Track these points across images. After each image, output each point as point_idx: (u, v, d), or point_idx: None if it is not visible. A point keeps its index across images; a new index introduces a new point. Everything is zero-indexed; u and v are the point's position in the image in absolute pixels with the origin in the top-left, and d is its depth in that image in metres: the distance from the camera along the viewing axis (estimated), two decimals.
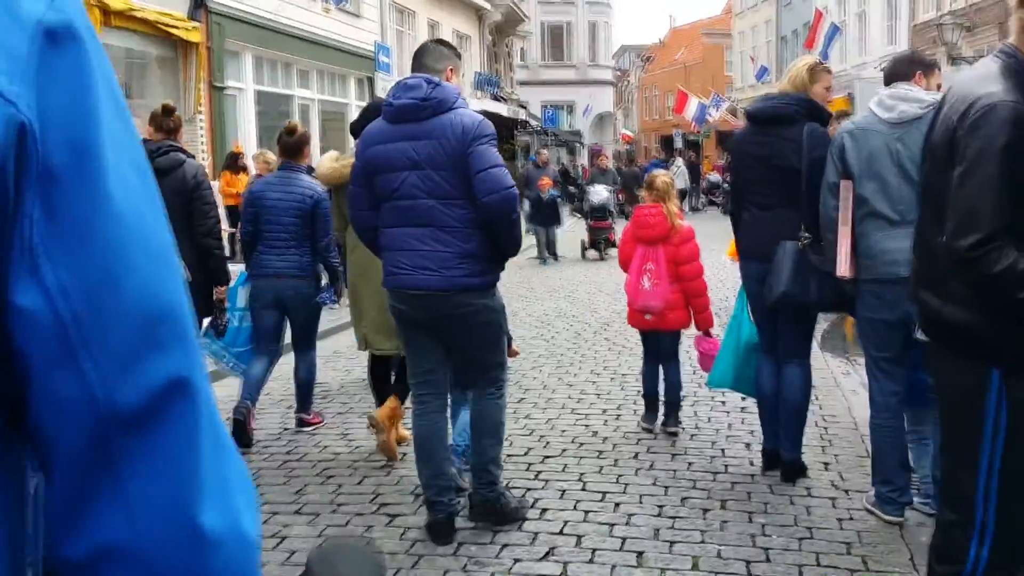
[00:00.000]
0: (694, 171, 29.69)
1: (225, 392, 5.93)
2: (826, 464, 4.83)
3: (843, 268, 3.98)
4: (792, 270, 4.20)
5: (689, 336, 5.83)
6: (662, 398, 5.58)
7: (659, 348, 5.52)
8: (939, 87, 4.01)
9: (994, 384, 2.37)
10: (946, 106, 2.47)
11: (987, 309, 2.35)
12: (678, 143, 37.71)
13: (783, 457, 4.63)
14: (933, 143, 2.53)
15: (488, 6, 28.49)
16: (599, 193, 15.88)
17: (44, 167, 0.62)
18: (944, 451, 2.67)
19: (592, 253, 16.08)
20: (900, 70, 4.01)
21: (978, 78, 2.40)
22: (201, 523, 0.65)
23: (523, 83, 40.07)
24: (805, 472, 4.64)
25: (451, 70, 3.99)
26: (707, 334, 5.47)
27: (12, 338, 0.62)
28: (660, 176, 5.60)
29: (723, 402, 6.02)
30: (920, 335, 2.67)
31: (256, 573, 0.69)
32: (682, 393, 5.62)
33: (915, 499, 4.12)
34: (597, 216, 15.81)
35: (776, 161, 4.35)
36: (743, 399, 5.63)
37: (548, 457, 5.09)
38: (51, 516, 0.65)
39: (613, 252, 15.06)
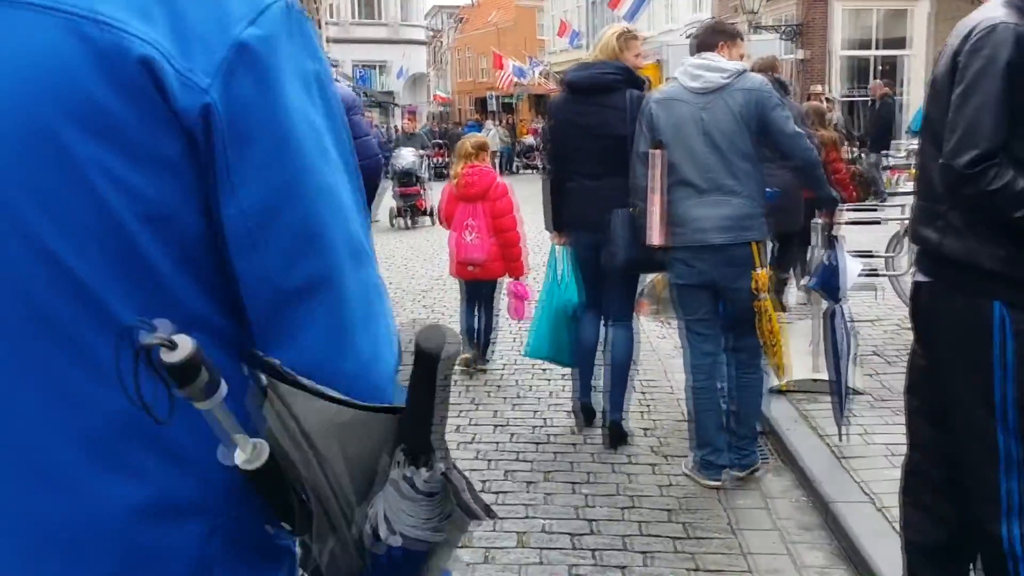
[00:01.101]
0: (511, 133, 29.90)
1: None
2: (646, 430, 4.87)
3: (655, 236, 4.00)
4: (629, 236, 4.22)
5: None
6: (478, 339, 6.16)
7: (479, 295, 6.15)
8: (742, 57, 4.18)
9: (997, 315, 2.35)
10: (949, 41, 2.47)
11: (985, 237, 2.33)
12: (492, 105, 37.81)
13: (610, 418, 4.67)
14: (936, 75, 2.50)
15: None
16: (405, 157, 14.72)
17: (232, 131, 0.88)
18: (952, 391, 2.55)
19: (400, 221, 15.06)
20: (705, 40, 4.08)
21: (980, 11, 2.41)
22: (341, 366, 0.95)
23: (334, 41, 38.97)
24: (627, 438, 4.66)
25: None
26: (519, 280, 6.00)
27: (223, 236, 0.91)
28: (469, 139, 6.16)
29: (544, 369, 5.99)
30: (920, 276, 2.60)
31: (388, 388, 0.98)
32: (492, 336, 6.22)
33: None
34: (403, 182, 14.72)
35: (603, 130, 4.35)
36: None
37: None
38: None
39: (424, 220, 14.68)
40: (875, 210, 7.24)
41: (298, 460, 0.93)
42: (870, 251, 7.11)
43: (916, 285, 2.65)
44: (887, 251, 7.09)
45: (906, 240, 6.46)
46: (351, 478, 0.96)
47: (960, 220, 2.39)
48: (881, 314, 7.04)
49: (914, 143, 7.36)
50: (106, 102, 0.86)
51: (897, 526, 3.46)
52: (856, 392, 5.04)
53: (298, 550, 1.06)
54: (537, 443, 4.75)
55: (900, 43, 20.90)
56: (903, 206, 7.14)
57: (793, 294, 7.36)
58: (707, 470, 4.14)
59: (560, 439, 4.80)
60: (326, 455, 0.94)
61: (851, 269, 4.19)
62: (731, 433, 4.16)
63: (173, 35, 0.88)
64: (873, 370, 5.52)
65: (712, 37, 4.10)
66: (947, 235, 2.42)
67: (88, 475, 0.91)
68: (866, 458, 4.15)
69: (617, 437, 4.63)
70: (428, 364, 0.93)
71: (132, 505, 0.92)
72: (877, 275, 6.93)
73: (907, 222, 6.49)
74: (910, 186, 8.22)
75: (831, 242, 4.31)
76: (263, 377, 0.92)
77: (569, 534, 3.68)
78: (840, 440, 4.33)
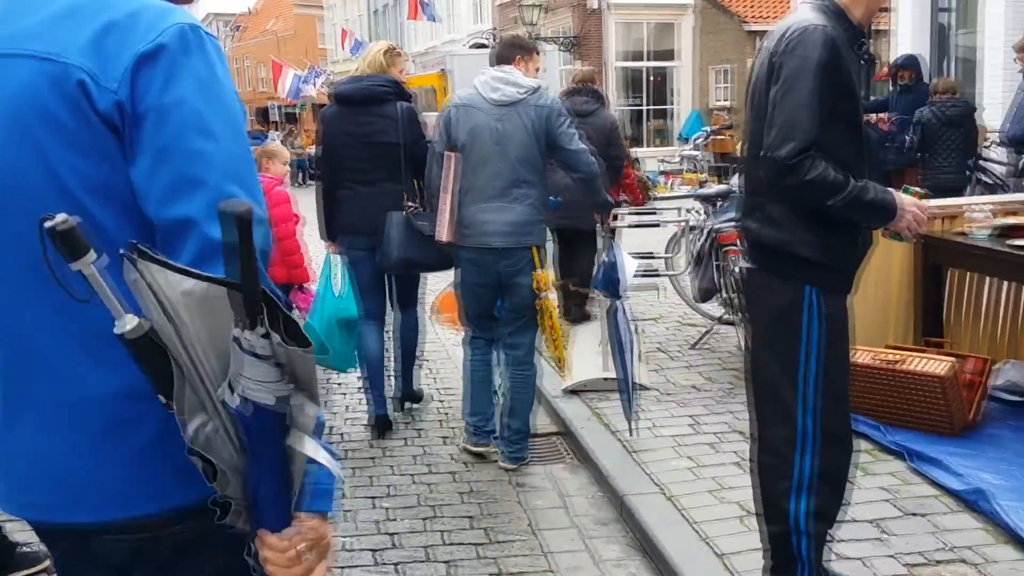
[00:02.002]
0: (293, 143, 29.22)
1: None
2: (444, 438, 4.85)
3: (443, 233, 4.23)
4: (404, 236, 4.48)
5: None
6: None
7: None
8: (538, 70, 4.37)
9: (807, 299, 2.58)
10: (764, 43, 2.69)
11: (798, 227, 2.58)
12: (274, 115, 36.82)
13: (402, 391, 5.16)
14: (754, 80, 2.68)
15: None
16: None
17: (133, 116, 1.25)
18: (765, 371, 2.76)
19: None
20: (504, 53, 4.31)
21: (793, 15, 2.65)
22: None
23: None
24: (421, 396, 5.23)
25: None
26: (301, 288, 5.77)
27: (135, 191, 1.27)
28: (258, 149, 6.03)
29: (339, 383, 5.86)
30: (745, 263, 2.83)
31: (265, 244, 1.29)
32: None
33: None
34: None
35: (378, 138, 4.58)
36: (359, 378, 5.51)
37: None
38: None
39: None
40: (655, 213, 7.57)
41: (163, 331, 1.14)
42: (651, 252, 7.44)
43: (742, 272, 2.91)
44: (666, 252, 7.43)
45: (683, 241, 6.80)
46: (217, 355, 1.17)
47: (777, 211, 2.61)
48: (663, 312, 7.37)
49: (687, 149, 7.75)
50: (60, 115, 1.27)
51: (686, 514, 3.63)
52: (643, 387, 5.24)
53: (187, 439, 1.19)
54: (335, 458, 4.62)
55: (669, 55, 22.08)
56: (679, 209, 7.52)
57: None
58: (476, 436, 4.50)
59: (358, 454, 4.71)
60: (187, 324, 1.15)
61: (628, 267, 4.45)
62: (506, 427, 4.39)
63: (98, 59, 1.27)
64: (658, 365, 5.76)
65: (510, 51, 4.32)
66: (765, 225, 2.65)
67: (81, 369, 1.32)
68: (655, 451, 4.32)
69: (412, 397, 5.20)
70: (243, 227, 1.11)
71: (113, 389, 1.31)
72: (658, 275, 7.25)
73: (683, 224, 6.86)
74: (685, 189, 8.69)
75: (608, 242, 4.62)
76: (135, 257, 1.13)
77: (371, 550, 3.61)
78: (631, 435, 4.49)
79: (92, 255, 1.13)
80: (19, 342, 1.35)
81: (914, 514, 3.51)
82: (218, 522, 1.23)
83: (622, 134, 8.46)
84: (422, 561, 3.50)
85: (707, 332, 6.32)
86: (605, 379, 5.24)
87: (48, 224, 1.11)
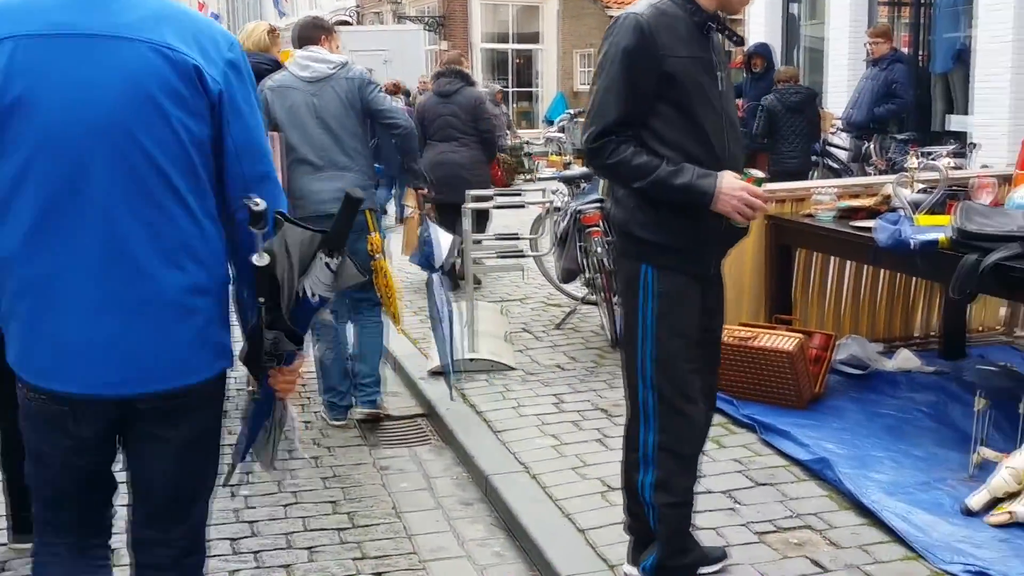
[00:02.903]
0: None
1: None
2: (307, 423, 4.76)
3: None
4: None
5: None
6: None
7: None
8: (338, 47, 4.76)
9: (641, 277, 2.66)
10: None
11: (635, 206, 2.64)
12: None
13: None
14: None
15: None
16: None
17: (228, 103, 1.92)
18: (623, 346, 2.91)
19: None
20: (308, 35, 4.62)
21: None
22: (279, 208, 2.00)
23: None
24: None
25: None
26: None
27: (224, 152, 1.95)
28: None
29: None
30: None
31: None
32: None
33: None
34: None
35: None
36: None
37: None
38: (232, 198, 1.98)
39: None
40: (519, 195, 7.62)
41: (280, 261, 1.93)
42: (516, 233, 7.49)
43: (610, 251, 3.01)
44: (531, 233, 7.49)
45: (547, 222, 6.87)
46: (300, 270, 1.98)
47: (620, 192, 2.74)
48: (528, 293, 7.43)
49: (552, 131, 7.82)
50: (178, 87, 1.86)
51: (549, 491, 3.68)
52: (508, 368, 5.28)
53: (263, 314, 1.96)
54: None
55: (534, 38, 22.23)
56: (543, 190, 7.59)
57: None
58: (333, 411, 4.70)
59: None
60: (294, 258, 1.95)
61: (444, 242, 4.72)
62: (356, 375, 4.69)
63: (202, 56, 1.90)
64: (523, 346, 5.81)
65: (314, 32, 4.64)
66: (614, 206, 2.78)
67: (160, 270, 1.88)
68: (519, 430, 4.35)
69: None
70: (353, 204, 2.02)
71: (181, 286, 1.91)
72: (523, 255, 7.30)
73: (547, 205, 6.93)
74: (550, 171, 8.76)
75: (424, 220, 4.90)
76: (275, 216, 1.96)
77: (229, 539, 3.51)
78: (451, 399, 4.75)
79: (268, 225, 1.95)
80: (115, 249, 1.86)
81: (764, 484, 3.66)
82: (264, 367, 2.04)
83: (501, 111, 8.81)
84: (283, 548, 3.43)
85: (571, 312, 6.41)
86: (471, 360, 5.25)
87: (254, 208, 1.90)
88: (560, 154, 7.85)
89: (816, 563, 3.07)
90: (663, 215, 2.61)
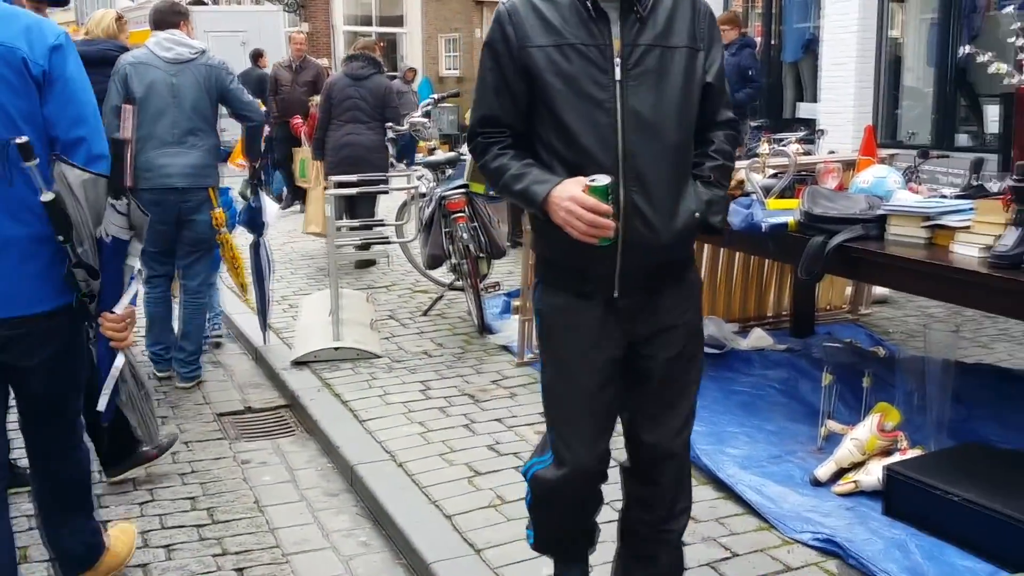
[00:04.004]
0: None
1: None
2: (163, 418, 4.58)
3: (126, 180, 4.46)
4: None
5: None
6: None
7: None
8: (192, 31, 5.11)
9: (534, 290, 2.44)
10: None
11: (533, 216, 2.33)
12: None
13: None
14: None
15: None
16: None
17: (47, 82, 2.36)
18: None
19: None
20: (167, 19, 4.92)
21: None
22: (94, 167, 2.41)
23: None
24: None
25: None
26: None
27: (46, 119, 2.39)
28: None
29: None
30: None
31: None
32: None
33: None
34: None
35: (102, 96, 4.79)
36: None
37: None
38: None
39: None
40: (386, 181, 7.54)
41: (67, 200, 2.34)
42: (381, 220, 7.41)
43: None
44: (396, 219, 7.43)
45: (412, 208, 6.81)
46: (93, 213, 2.40)
47: None
48: (394, 280, 7.38)
49: (415, 116, 7.77)
50: (9, 77, 2.31)
51: (415, 479, 3.66)
52: (374, 355, 5.23)
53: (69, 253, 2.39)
54: None
55: (398, 21, 22.01)
56: (408, 176, 7.53)
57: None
58: (158, 363, 5.06)
59: None
60: (79, 197, 2.36)
61: (270, 209, 5.25)
62: (180, 349, 4.97)
63: (29, 46, 2.34)
64: (389, 333, 5.76)
65: (173, 17, 4.92)
66: None
67: (6, 224, 2.35)
68: (385, 418, 4.31)
69: None
70: (117, 146, 2.46)
71: (23, 236, 2.37)
72: (388, 242, 7.24)
73: (412, 191, 6.88)
74: (418, 157, 8.70)
75: (255, 188, 5.32)
76: (58, 162, 2.35)
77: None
78: (264, 343, 5.43)
79: (35, 159, 2.29)
80: None
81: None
82: (82, 306, 2.48)
83: (410, 90, 9.25)
84: (138, 548, 3.29)
85: (438, 298, 6.39)
86: (336, 349, 5.18)
87: (17, 141, 2.26)
88: (425, 139, 7.78)
89: None
90: (543, 224, 2.22)
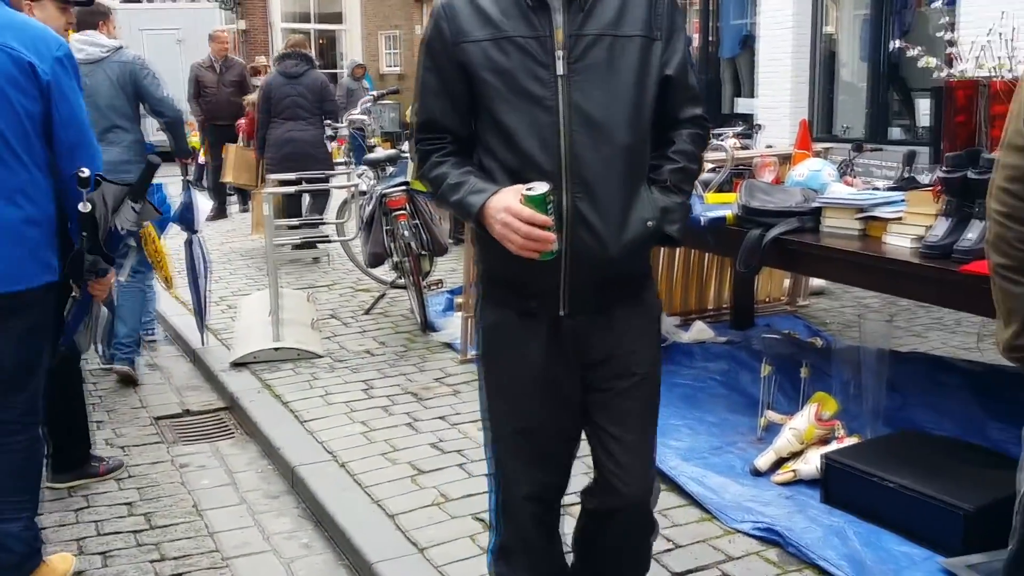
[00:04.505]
0: None
1: None
2: (98, 423, 4.48)
3: None
4: None
5: None
6: None
7: None
8: (115, 30, 5.15)
9: (476, 305, 2.20)
10: None
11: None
12: None
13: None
14: None
15: None
16: None
17: (56, 89, 2.76)
18: None
19: None
20: (87, 20, 4.84)
21: None
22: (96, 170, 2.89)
23: None
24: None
25: None
26: None
27: (54, 124, 2.80)
28: None
29: None
30: None
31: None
32: None
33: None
34: None
35: None
36: None
37: None
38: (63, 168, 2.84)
39: None
40: (327, 180, 7.48)
41: (99, 207, 2.87)
42: (321, 219, 7.33)
43: None
44: (337, 218, 7.36)
45: (352, 206, 6.75)
46: (111, 212, 2.98)
47: None
48: (336, 278, 7.31)
49: (355, 113, 7.72)
50: (18, 78, 2.69)
51: (358, 479, 3.62)
52: (316, 355, 5.17)
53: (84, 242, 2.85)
54: None
55: (336, 18, 21.81)
56: (349, 174, 7.46)
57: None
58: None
59: None
60: (108, 204, 2.94)
61: (202, 207, 5.25)
62: (116, 335, 4.90)
63: (36, 56, 2.71)
64: (331, 332, 5.70)
65: (91, 17, 4.87)
66: None
67: (3, 207, 2.68)
68: (327, 418, 4.26)
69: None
70: (151, 167, 3.21)
71: (19, 218, 2.71)
72: (329, 241, 7.17)
73: (352, 189, 6.82)
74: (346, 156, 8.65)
75: (187, 186, 5.25)
76: (95, 177, 2.86)
77: None
78: (202, 344, 5.39)
79: (89, 187, 2.81)
80: None
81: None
82: (61, 284, 2.88)
83: (361, 87, 9.45)
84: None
85: (380, 297, 6.34)
86: (276, 349, 5.11)
87: (81, 175, 2.78)
88: (365, 136, 7.74)
89: None
90: (483, 235, 2.02)
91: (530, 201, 1.88)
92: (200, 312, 5.42)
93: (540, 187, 1.89)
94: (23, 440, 2.88)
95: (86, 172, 2.77)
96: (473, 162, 2.07)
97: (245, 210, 10.56)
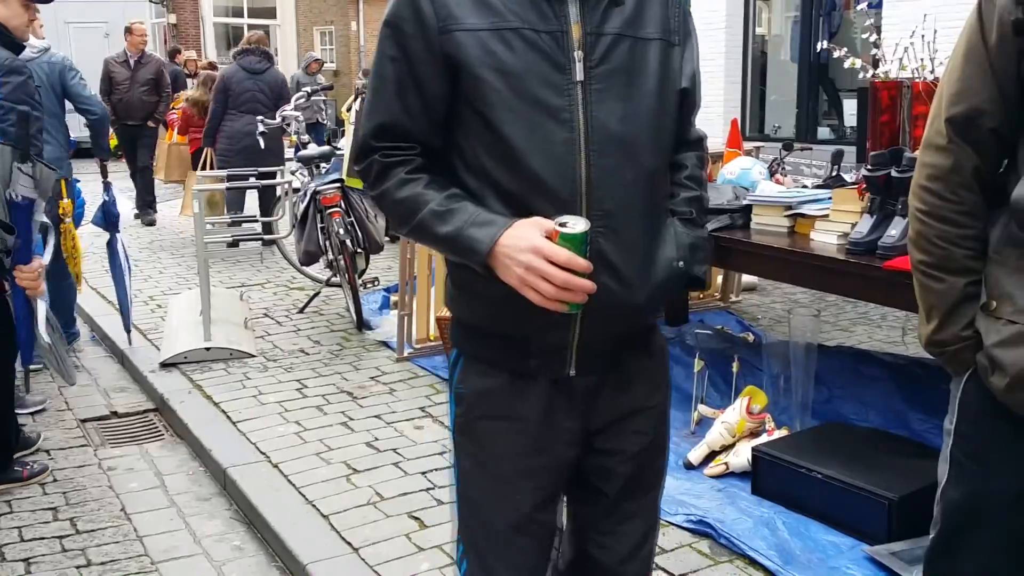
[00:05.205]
0: None
1: None
2: (21, 426, 4.35)
3: None
4: None
5: None
6: None
7: None
8: (41, 27, 5.24)
9: (451, 364, 1.76)
10: None
11: (450, 265, 1.69)
12: None
13: None
14: None
15: None
16: None
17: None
18: None
19: None
20: None
21: None
22: None
23: None
24: None
25: None
26: None
27: None
28: None
29: None
30: None
31: None
32: None
33: None
34: None
35: None
36: None
37: None
38: None
39: None
40: (256, 176, 7.37)
41: None
42: (254, 216, 7.23)
43: None
44: (270, 215, 7.26)
45: (287, 203, 6.67)
46: (1, 180, 2.94)
47: None
48: (269, 277, 7.22)
49: (287, 109, 7.63)
50: None
51: (291, 479, 3.58)
52: (247, 355, 5.10)
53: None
54: None
55: (270, 13, 21.53)
56: (280, 170, 7.37)
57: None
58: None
59: None
60: None
61: (124, 212, 5.46)
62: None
63: None
64: (264, 331, 5.63)
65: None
66: None
67: None
68: (260, 418, 4.21)
69: None
70: (24, 116, 3.08)
71: None
72: (262, 238, 7.07)
73: (285, 186, 6.74)
74: (289, 151, 8.55)
75: (108, 186, 5.23)
76: None
77: None
78: (128, 344, 5.33)
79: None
80: None
81: None
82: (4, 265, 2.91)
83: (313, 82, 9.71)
84: None
85: (314, 295, 6.28)
86: (207, 349, 5.02)
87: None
88: (296, 133, 7.66)
89: None
90: (465, 276, 1.62)
91: (567, 240, 1.47)
92: (125, 313, 5.33)
93: (577, 223, 1.49)
94: None
95: None
96: (448, 182, 1.61)
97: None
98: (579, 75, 1.56)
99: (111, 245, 5.17)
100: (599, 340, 1.62)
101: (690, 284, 1.72)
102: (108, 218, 5.11)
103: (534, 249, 1.47)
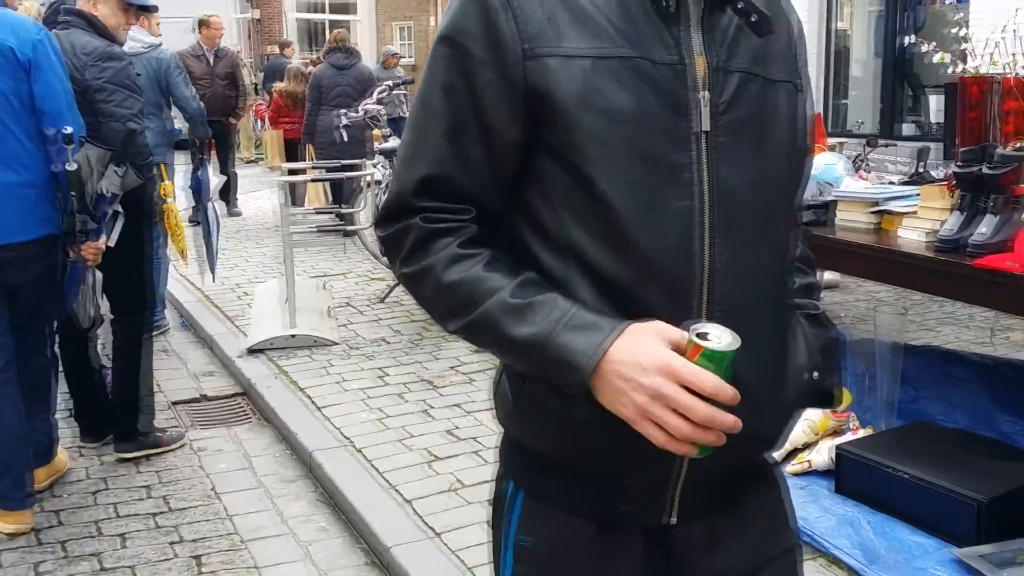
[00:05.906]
0: None
1: None
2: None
3: None
4: None
5: None
6: None
7: None
8: (158, 25, 5.81)
9: (506, 504, 1.29)
10: None
11: (501, 368, 1.29)
12: None
13: None
14: None
15: None
16: None
17: (34, 67, 3.20)
18: None
19: None
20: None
21: None
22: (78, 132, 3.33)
23: None
24: None
25: None
26: None
27: (34, 97, 3.25)
28: None
29: None
30: None
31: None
32: None
33: None
34: None
35: None
36: None
37: None
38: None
39: None
40: (341, 168, 7.50)
41: (83, 169, 3.28)
42: (339, 207, 7.37)
43: None
44: (352, 206, 7.38)
45: (368, 195, 6.79)
46: (97, 175, 3.36)
47: None
48: (350, 267, 7.35)
49: (369, 103, 7.75)
50: (4, 63, 3.16)
51: (374, 464, 3.66)
52: (331, 343, 5.21)
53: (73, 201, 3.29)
54: None
55: (351, 8, 21.83)
56: (363, 163, 7.49)
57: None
58: None
59: None
60: (93, 166, 3.33)
61: (214, 183, 5.37)
62: None
63: (17, 40, 3.18)
64: (346, 320, 5.74)
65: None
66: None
67: (4, 172, 3.18)
68: (343, 404, 4.31)
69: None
70: (128, 138, 3.65)
71: (17, 181, 3.20)
72: (345, 230, 7.20)
73: (369, 178, 6.85)
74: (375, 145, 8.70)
75: (202, 162, 5.23)
76: (86, 143, 3.34)
77: (34, 530, 3.31)
78: (213, 282, 5.64)
79: (73, 144, 3.22)
80: None
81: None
82: (60, 238, 3.32)
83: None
84: (91, 537, 3.27)
85: (395, 285, 6.38)
86: (291, 336, 5.15)
87: (65, 131, 3.18)
88: (379, 126, 7.77)
89: None
90: (536, 389, 1.18)
91: (710, 360, 1.04)
92: (212, 262, 5.27)
93: (722, 335, 1.05)
94: (43, 355, 3.54)
95: (69, 129, 3.19)
96: (514, 261, 1.17)
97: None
98: (704, 123, 1.13)
99: (202, 211, 5.15)
100: (710, 478, 1.19)
101: (819, 401, 1.30)
102: (197, 191, 5.16)
103: (666, 370, 1.03)
